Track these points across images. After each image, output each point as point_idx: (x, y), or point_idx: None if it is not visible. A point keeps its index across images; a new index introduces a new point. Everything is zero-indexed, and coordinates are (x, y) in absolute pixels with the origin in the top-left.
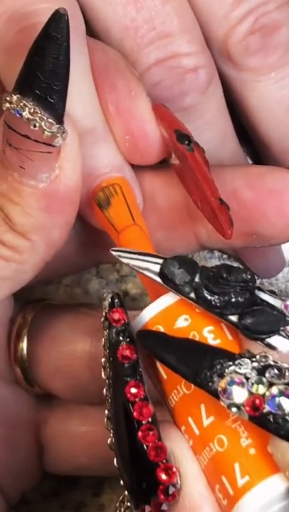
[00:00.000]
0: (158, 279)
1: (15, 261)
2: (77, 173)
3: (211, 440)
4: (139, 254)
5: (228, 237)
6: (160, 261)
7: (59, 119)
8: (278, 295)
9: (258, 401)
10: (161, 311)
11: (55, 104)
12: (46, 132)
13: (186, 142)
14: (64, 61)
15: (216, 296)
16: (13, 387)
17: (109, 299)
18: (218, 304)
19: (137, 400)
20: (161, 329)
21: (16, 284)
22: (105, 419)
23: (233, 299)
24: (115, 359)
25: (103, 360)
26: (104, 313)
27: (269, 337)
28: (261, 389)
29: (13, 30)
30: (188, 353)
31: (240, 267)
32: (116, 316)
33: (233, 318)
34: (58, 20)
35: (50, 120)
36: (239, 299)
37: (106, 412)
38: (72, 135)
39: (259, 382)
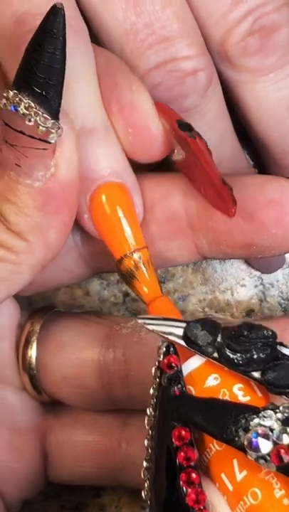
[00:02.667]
0: (182, 342)
1: (10, 261)
2: (73, 173)
3: (244, 494)
4: (164, 319)
5: (232, 214)
6: (183, 325)
7: (54, 114)
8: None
9: (283, 451)
10: (191, 373)
11: (50, 100)
12: (41, 127)
13: (188, 130)
14: (60, 56)
15: (238, 354)
16: (21, 394)
17: (164, 348)
18: (240, 362)
19: (182, 444)
20: (192, 390)
21: (12, 286)
22: (142, 470)
23: (255, 356)
24: (164, 404)
25: (149, 410)
26: (156, 362)
27: None
28: (286, 439)
29: (20, 32)
30: (214, 411)
31: (261, 324)
32: (170, 362)
33: (256, 374)
34: (54, 15)
35: (45, 115)
36: (261, 355)
37: (144, 463)
38: (69, 134)
39: (283, 432)
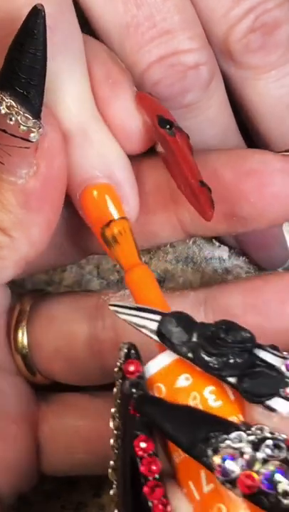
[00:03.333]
0: (155, 338)
1: None
2: (57, 172)
3: (210, 508)
4: (137, 309)
5: (209, 218)
6: (158, 317)
7: (35, 114)
8: (280, 351)
9: (250, 480)
10: (162, 369)
11: (31, 99)
12: (22, 127)
13: (168, 127)
14: (41, 56)
15: (214, 358)
16: (14, 379)
17: (125, 350)
18: (216, 366)
19: (145, 455)
20: (162, 388)
21: None
22: (110, 470)
23: (232, 360)
24: (127, 411)
25: (113, 410)
26: (118, 364)
27: (269, 399)
28: (256, 466)
29: (3, 34)
30: (185, 422)
31: (238, 324)
32: (131, 367)
33: (232, 380)
34: (35, 16)
35: (26, 115)
36: (237, 360)
37: (111, 462)
38: (52, 133)
39: (253, 459)
